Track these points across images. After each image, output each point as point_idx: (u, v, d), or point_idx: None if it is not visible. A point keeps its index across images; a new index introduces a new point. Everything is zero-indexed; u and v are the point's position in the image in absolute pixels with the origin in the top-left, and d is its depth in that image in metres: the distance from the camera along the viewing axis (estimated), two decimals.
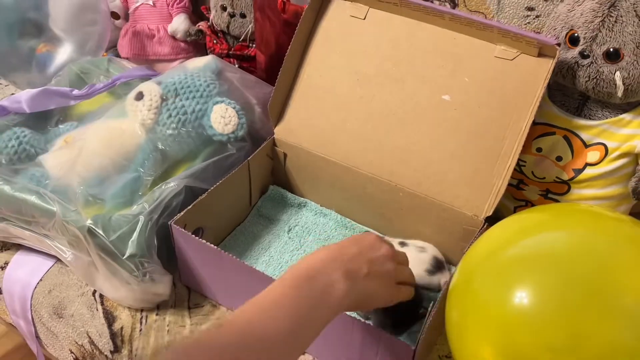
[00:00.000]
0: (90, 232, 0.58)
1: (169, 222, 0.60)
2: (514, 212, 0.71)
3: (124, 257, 0.58)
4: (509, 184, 0.62)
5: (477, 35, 0.64)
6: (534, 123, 0.61)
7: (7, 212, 0.65)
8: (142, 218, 0.59)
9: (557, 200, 0.67)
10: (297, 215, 0.76)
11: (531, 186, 0.68)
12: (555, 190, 0.67)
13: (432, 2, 0.77)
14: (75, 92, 0.76)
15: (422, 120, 0.66)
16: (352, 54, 0.70)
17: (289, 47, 0.71)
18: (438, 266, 0.65)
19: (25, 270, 0.70)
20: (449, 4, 0.77)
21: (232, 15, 0.88)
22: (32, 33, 0.95)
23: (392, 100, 0.68)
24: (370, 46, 0.69)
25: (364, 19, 0.70)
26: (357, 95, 0.70)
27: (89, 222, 0.59)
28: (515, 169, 0.62)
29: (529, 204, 0.70)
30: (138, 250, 0.59)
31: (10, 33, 0.94)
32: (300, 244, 0.71)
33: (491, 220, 0.61)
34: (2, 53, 0.94)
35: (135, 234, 0.59)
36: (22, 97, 0.74)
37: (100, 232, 0.58)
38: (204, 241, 0.58)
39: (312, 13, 0.72)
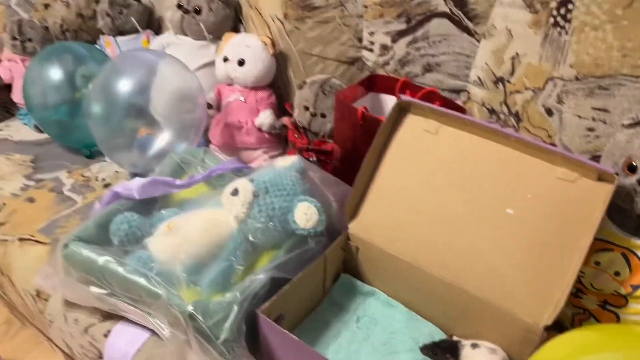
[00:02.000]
0: (191, 316, 0.67)
1: (257, 311, 0.68)
2: (572, 318, 0.76)
3: (219, 341, 0.66)
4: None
5: (540, 157, 0.71)
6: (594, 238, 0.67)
7: (119, 290, 0.75)
8: (236, 306, 0.68)
9: (614, 312, 0.71)
10: (366, 303, 0.82)
11: (589, 296, 0.73)
12: (613, 302, 0.71)
13: (498, 117, 0.85)
14: (178, 182, 0.87)
15: (486, 230, 0.73)
16: (423, 163, 0.78)
17: (367, 155, 0.80)
18: None
19: (124, 339, 0.79)
20: (514, 118, 0.85)
21: (313, 115, 0.99)
22: (134, 116, 1.08)
23: (459, 208, 0.75)
24: (441, 158, 0.77)
25: (436, 133, 0.78)
26: (427, 201, 0.77)
27: (190, 307, 0.67)
28: None
29: (586, 312, 0.74)
30: (230, 335, 0.67)
31: (118, 115, 1.08)
32: (368, 335, 0.77)
33: (550, 326, 0.66)
34: (109, 133, 1.08)
35: (229, 321, 0.67)
36: (134, 185, 0.86)
37: (200, 317, 0.67)
38: (286, 331, 0.66)
39: (389, 125, 0.81)
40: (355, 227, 0.82)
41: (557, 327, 0.68)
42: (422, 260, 0.76)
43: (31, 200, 1.02)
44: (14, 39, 1.22)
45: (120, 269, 0.74)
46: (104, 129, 1.07)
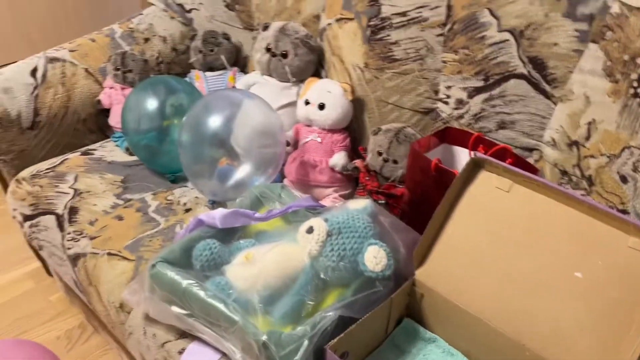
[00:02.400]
0: (265, 345, 0.72)
1: (325, 347, 0.73)
2: None
3: None
4: None
5: (613, 225, 0.72)
6: None
7: (198, 312, 0.81)
8: (306, 340, 0.72)
9: None
10: (426, 349, 0.85)
11: None
12: None
13: (570, 179, 0.87)
14: (257, 215, 0.94)
15: (553, 290, 0.74)
16: (493, 219, 0.81)
17: (438, 207, 0.83)
18: None
19: (197, 358, 0.85)
20: (586, 182, 0.86)
21: (386, 161, 1.04)
22: (216, 146, 1.17)
23: (526, 266, 0.77)
24: (511, 216, 0.80)
25: (508, 191, 0.81)
26: (494, 257, 0.79)
27: (264, 337, 0.73)
28: None
29: None
30: None
31: (202, 144, 1.16)
32: None
33: None
34: (192, 160, 1.16)
35: (300, 353, 0.71)
36: (217, 215, 0.93)
37: (273, 347, 0.72)
38: None
39: (462, 179, 0.84)
40: (421, 274, 0.85)
41: None
42: (485, 314, 0.78)
43: (120, 218, 1.11)
44: (117, 69, 1.35)
45: (201, 293, 0.80)
46: (190, 156, 1.16)
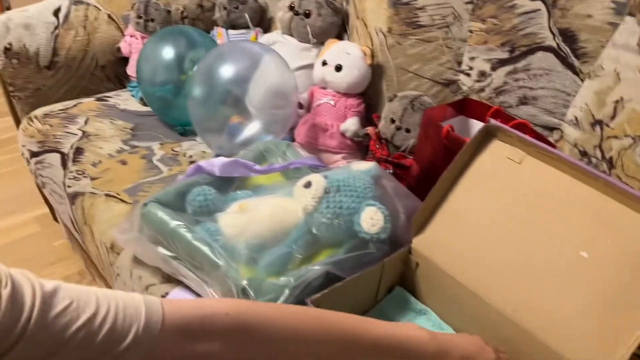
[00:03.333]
0: (244, 291, 0.69)
1: (306, 300, 0.69)
2: None
3: None
4: (634, 354, 0.62)
5: (628, 205, 0.67)
6: None
7: (183, 254, 0.79)
8: (287, 290, 0.69)
9: None
10: (416, 321, 0.81)
11: None
12: None
13: (589, 160, 0.81)
14: (257, 167, 0.91)
15: (557, 269, 0.69)
16: (501, 192, 0.76)
17: (445, 172, 0.79)
18: None
19: None
20: (606, 164, 0.81)
21: (398, 129, 0.99)
22: (230, 104, 1.14)
23: (531, 243, 0.72)
24: (521, 189, 0.75)
25: (520, 163, 0.76)
26: (498, 231, 0.75)
27: (245, 282, 0.70)
28: None
29: None
30: None
31: (215, 101, 1.14)
32: None
33: None
34: (205, 116, 1.14)
35: (279, 302, 0.68)
36: (216, 163, 0.90)
37: (252, 293, 0.69)
38: None
39: (473, 147, 0.80)
40: (419, 242, 0.81)
41: None
42: (482, 288, 0.74)
43: (124, 162, 1.10)
44: (139, 17, 1.33)
45: (188, 235, 0.78)
46: (201, 110, 1.14)
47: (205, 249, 0.76)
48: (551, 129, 0.91)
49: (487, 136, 0.80)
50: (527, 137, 0.74)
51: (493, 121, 0.77)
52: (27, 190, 1.64)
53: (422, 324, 0.80)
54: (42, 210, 1.60)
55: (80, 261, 1.45)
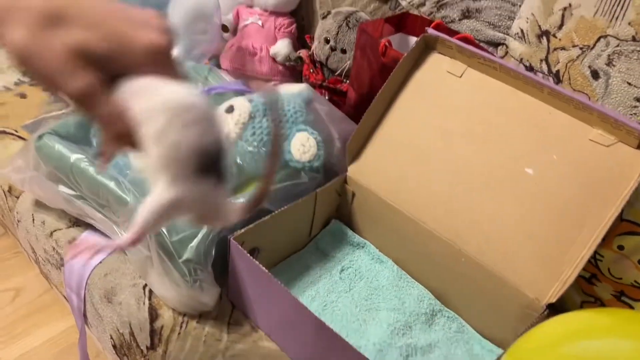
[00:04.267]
0: None
1: (229, 237, 0.61)
2: (581, 307, 0.67)
3: (180, 259, 0.60)
4: (580, 276, 0.58)
5: (574, 114, 0.61)
6: (620, 219, 0.58)
7: (87, 192, 0.69)
8: (205, 227, 0.61)
9: (631, 306, 0.62)
10: (354, 255, 0.75)
11: (604, 284, 0.64)
12: (631, 295, 0.62)
13: (535, 74, 0.75)
14: None
15: (499, 189, 0.64)
16: (441, 109, 0.70)
17: (380, 90, 0.71)
18: None
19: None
20: (553, 78, 0.75)
21: (333, 49, 0.90)
22: None
23: (472, 162, 0.66)
24: (461, 105, 0.68)
25: (460, 76, 0.69)
26: (437, 151, 0.69)
27: None
28: (590, 262, 0.58)
29: (598, 301, 0.65)
30: (195, 257, 0.60)
31: None
32: (350, 288, 0.70)
33: (553, 308, 0.58)
34: None
35: (195, 240, 0.60)
36: None
37: (164, 231, 0.60)
38: (257, 262, 0.59)
39: (410, 62, 0.72)
40: (354, 170, 0.74)
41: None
42: (422, 215, 0.68)
43: (23, 96, 0.96)
44: None
45: (91, 169, 0.68)
46: None
47: (111, 184, 0.66)
48: (496, 44, 0.84)
49: (425, 48, 0.72)
50: (468, 46, 0.67)
51: (432, 31, 0.69)
52: None
53: (359, 257, 0.74)
54: None
55: None
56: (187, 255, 0.60)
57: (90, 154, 0.71)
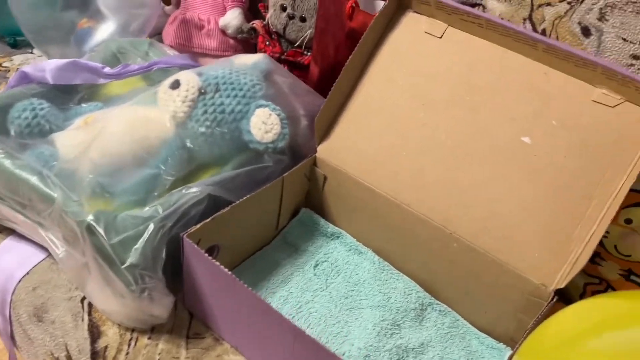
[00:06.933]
0: (90, 229, 0.50)
1: (182, 234, 0.51)
2: (584, 289, 0.60)
3: (123, 266, 0.49)
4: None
5: (574, 73, 0.54)
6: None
7: (3, 190, 0.57)
8: (152, 224, 0.50)
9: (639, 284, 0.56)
10: (328, 247, 0.66)
11: (610, 262, 0.57)
12: None
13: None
14: (107, 70, 0.69)
15: (492, 162, 0.56)
16: (420, 74, 0.61)
17: (350, 57, 0.62)
18: None
19: (12, 259, 0.61)
20: None
21: (291, 17, 0.80)
22: (77, 6, 0.89)
23: (460, 133, 0.58)
24: (444, 69, 0.60)
25: (441, 37, 0.61)
26: (420, 122, 0.60)
27: (90, 217, 0.50)
28: None
29: (603, 282, 0.59)
30: (141, 261, 0.49)
31: (53, 4, 0.88)
32: (327, 284, 0.61)
33: (561, 295, 0.51)
34: (42, 24, 0.89)
35: (141, 241, 0.49)
36: (48, 67, 0.67)
37: (101, 231, 0.49)
38: (217, 263, 0.49)
39: (381, 24, 0.63)
40: (325, 151, 0.65)
41: (562, 298, 0.53)
42: (405, 196, 0.60)
43: None
44: None
45: (7, 162, 0.56)
46: (35, 17, 0.88)
47: (33, 179, 0.54)
48: (472, 4, 0.76)
49: (399, 7, 0.63)
50: (448, 1, 0.59)
51: None
52: None
53: (335, 249, 0.65)
54: None
55: None
56: (131, 259, 0.49)
57: (8, 144, 0.59)
